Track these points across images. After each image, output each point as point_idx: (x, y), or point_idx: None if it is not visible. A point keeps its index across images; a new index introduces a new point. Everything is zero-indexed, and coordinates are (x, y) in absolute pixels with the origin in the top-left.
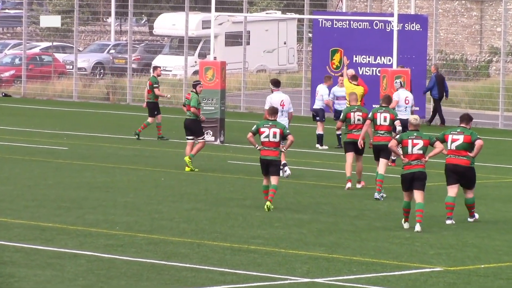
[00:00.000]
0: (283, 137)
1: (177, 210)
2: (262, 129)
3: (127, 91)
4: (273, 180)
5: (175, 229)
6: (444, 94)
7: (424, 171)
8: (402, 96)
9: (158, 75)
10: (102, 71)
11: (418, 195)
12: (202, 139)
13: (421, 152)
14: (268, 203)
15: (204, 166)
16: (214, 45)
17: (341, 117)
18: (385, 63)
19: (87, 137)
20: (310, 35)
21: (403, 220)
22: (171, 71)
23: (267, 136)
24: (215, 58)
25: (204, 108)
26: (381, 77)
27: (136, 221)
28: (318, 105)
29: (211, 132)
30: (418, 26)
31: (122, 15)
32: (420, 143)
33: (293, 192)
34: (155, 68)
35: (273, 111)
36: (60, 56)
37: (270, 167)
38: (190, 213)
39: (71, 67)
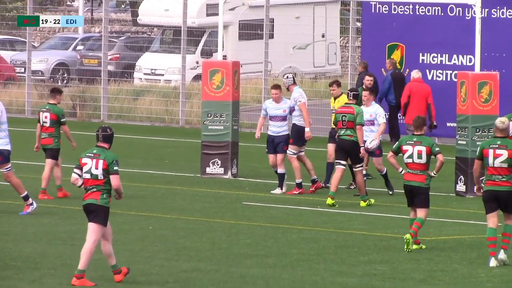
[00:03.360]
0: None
1: (172, 271)
2: (404, 147)
3: (101, 103)
4: (420, 212)
5: None
6: None
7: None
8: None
9: None
10: (66, 75)
11: (509, 219)
12: (361, 166)
13: (505, 165)
14: (407, 235)
15: (209, 209)
16: (223, 38)
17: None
18: (464, 64)
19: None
20: (359, 24)
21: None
22: (162, 75)
23: (411, 156)
24: (224, 57)
25: (209, 128)
26: (458, 84)
27: (115, 286)
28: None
29: (219, 162)
30: (510, 12)
31: None
32: (504, 154)
33: (335, 245)
34: None
35: (419, 123)
36: (6, 55)
37: (415, 196)
38: (190, 276)
39: (22, 69)
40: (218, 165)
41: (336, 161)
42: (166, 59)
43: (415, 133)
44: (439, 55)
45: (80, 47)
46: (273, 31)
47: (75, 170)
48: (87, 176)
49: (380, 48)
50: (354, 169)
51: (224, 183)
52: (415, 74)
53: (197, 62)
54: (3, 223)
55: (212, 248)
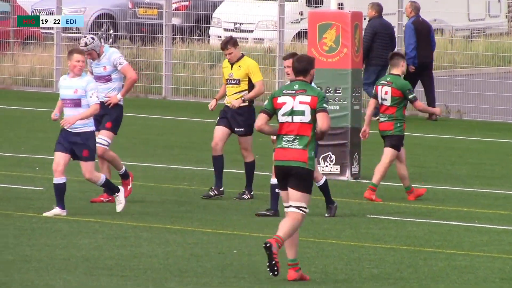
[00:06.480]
0: None
1: None
2: None
3: (162, 72)
4: None
5: None
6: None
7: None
8: None
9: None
10: (112, 32)
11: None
12: None
13: None
14: None
15: (319, 225)
16: None
17: None
18: None
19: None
20: None
21: None
22: (251, 32)
23: None
24: (340, 5)
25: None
26: None
27: None
28: None
29: (334, 157)
30: None
31: None
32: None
33: (500, 276)
34: None
35: None
36: (26, 2)
37: None
38: None
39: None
40: (331, 161)
41: None
42: (256, 8)
43: None
44: None
45: None
46: None
47: None
48: None
49: None
50: None
51: (341, 187)
52: None
53: (300, 13)
54: (23, 244)
55: (324, 280)
